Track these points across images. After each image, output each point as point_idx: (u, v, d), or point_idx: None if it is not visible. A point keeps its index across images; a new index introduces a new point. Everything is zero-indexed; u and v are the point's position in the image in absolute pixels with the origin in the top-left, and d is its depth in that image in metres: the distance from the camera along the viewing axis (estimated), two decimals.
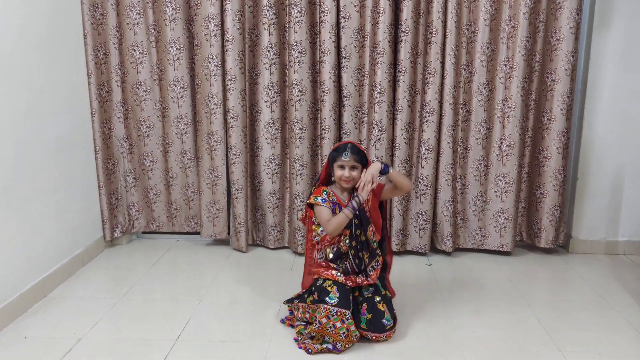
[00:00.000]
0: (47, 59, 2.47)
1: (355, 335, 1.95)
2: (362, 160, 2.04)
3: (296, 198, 2.92)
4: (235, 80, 2.82)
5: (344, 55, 2.76)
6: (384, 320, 1.99)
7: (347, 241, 2.06)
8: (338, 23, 2.73)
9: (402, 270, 2.75)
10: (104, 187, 2.98)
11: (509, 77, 2.77)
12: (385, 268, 2.20)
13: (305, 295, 2.13)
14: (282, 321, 2.17)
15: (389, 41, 2.71)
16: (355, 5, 2.70)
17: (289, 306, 2.20)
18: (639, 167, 2.93)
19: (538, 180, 2.93)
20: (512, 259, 2.94)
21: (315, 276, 2.09)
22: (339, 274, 2.05)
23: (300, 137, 2.85)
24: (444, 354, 1.95)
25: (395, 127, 2.83)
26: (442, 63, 2.74)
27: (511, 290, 2.53)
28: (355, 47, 2.76)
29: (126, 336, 2.08)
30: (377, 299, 2.03)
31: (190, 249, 3.12)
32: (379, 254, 2.11)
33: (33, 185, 2.37)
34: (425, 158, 2.84)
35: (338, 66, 2.79)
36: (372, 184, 1.98)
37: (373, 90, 2.78)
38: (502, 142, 2.85)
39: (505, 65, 2.77)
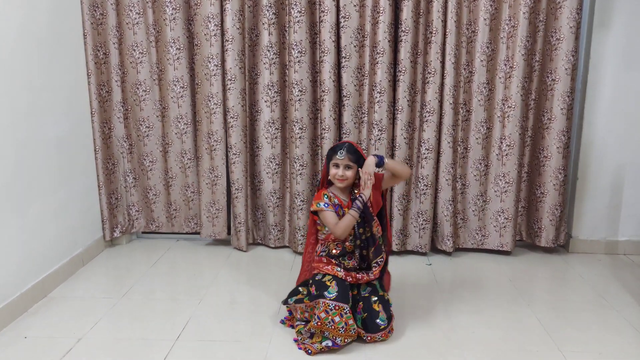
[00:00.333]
0: (46, 58, 2.47)
1: (354, 329, 1.94)
2: (358, 161, 2.06)
3: (296, 197, 2.92)
4: (235, 80, 2.82)
5: (343, 55, 2.76)
6: (378, 320, 2.00)
7: (352, 240, 2.07)
8: (338, 23, 2.73)
9: (402, 270, 2.75)
10: (104, 187, 2.97)
11: (509, 77, 2.77)
12: (387, 264, 2.21)
13: (301, 289, 2.14)
14: (282, 322, 2.18)
15: (388, 41, 2.71)
16: (355, 5, 2.70)
17: (287, 306, 2.21)
18: (639, 167, 2.93)
19: (538, 180, 2.93)
20: (512, 259, 2.94)
21: (315, 271, 2.09)
22: (339, 269, 2.06)
23: (300, 137, 2.85)
24: (443, 354, 1.95)
25: (395, 126, 2.82)
26: (442, 63, 2.74)
27: (511, 289, 2.53)
28: (355, 46, 2.76)
29: (126, 336, 2.08)
30: (374, 298, 2.04)
31: (190, 248, 3.12)
32: (384, 249, 2.13)
33: (33, 185, 2.37)
34: (426, 158, 2.84)
35: (338, 66, 2.79)
36: (371, 179, 2.00)
37: (373, 90, 2.78)
38: (502, 142, 2.85)
39: (505, 64, 2.77)
